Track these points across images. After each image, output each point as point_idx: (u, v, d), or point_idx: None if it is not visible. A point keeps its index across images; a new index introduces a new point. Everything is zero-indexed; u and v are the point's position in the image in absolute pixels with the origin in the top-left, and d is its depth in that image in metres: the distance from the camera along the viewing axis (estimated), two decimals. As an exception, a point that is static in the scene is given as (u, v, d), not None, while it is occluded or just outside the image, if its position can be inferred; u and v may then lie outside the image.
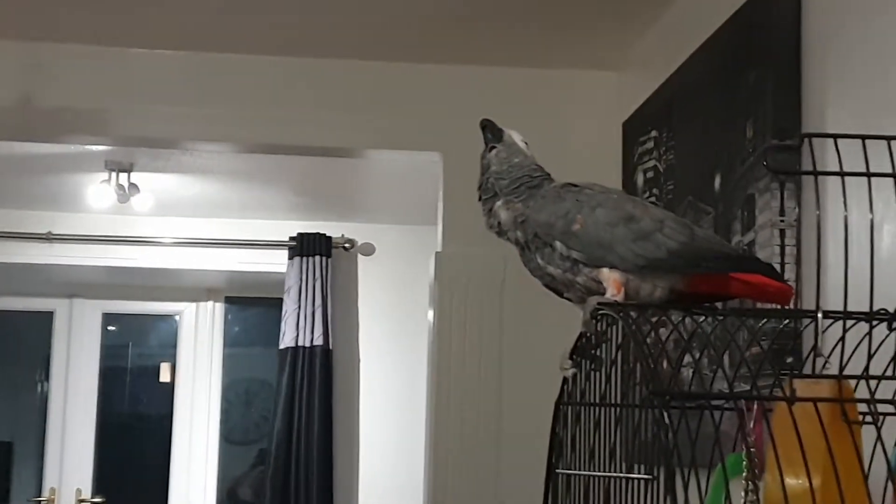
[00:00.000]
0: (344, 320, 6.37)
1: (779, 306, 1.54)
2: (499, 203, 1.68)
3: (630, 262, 1.53)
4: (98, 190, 5.51)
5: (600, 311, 1.48)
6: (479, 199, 1.72)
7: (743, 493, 1.45)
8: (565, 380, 1.56)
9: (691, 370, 1.49)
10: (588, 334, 1.52)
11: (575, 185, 1.64)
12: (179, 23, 3.87)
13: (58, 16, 3.81)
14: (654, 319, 1.41)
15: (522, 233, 1.64)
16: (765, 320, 1.49)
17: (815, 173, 1.26)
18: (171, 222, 6.33)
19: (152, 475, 6.89)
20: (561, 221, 1.58)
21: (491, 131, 1.74)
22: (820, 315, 1.33)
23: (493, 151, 1.72)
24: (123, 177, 5.44)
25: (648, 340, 1.34)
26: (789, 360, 1.99)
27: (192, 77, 4.08)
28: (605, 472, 1.46)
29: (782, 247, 2.61)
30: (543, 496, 1.57)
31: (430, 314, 4.13)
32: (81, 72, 4.03)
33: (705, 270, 1.54)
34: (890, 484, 1.39)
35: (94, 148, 5.05)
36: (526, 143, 1.74)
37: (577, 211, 1.58)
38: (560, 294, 1.65)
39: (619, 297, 1.51)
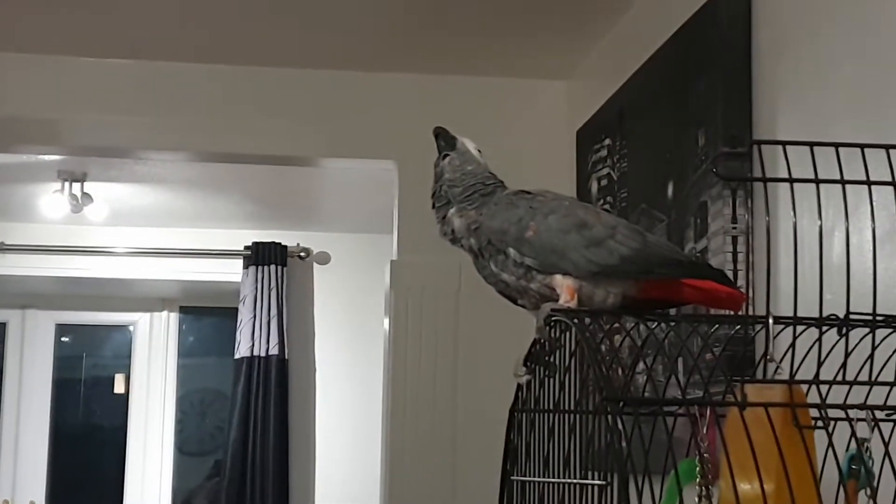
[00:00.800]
0: (299, 329, 6.35)
1: (731, 312, 1.55)
2: (452, 210, 1.68)
3: (583, 268, 1.54)
4: (51, 200, 5.47)
5: (554, 318, 1.48)
6: (433, 206, 1.72)
7: (696, 499, 1.46)
8: (519, 386, 1.57)
9: (644, 377, 1.49)
10: (542, 341, 1.52)
11: (528, 193, 1.65)
12: (131, 32, 3.85)
13: (8, 25, 3.78)
14: (607, 326, 1.42)
15: (476, 240, 1.65)
16: (716, 326, 1.50)
17: (765, 180, 1.27)
18: (125, 232, 6.29)
19: (107, 486, 6.85)
20: (514, 228, 1.59)
21: (444, 139, 1.75)
22: (771, 321, 1.34)
23: (447, 159, 1.72)
24: (77, 186, 5.40)
25: (602, 347, 1.35)
26: (741, 367, 2.01)
27: (144, 86, 4.06)
28: (559, 478, 1.46)
29: (734, 254, 2.63)
30: (499, 502, 1.57)
31: (386, 322, 4.13)
32: (32, 81, 4.00)
33: (658, 277, 1.55)
34: (841, 489, 1.40)
35: (47, 158, 5.02)
36: (479, 151, 1.74)
37: (530, 218, 1.58)
38: (514, 301, 1.65)
39: (573, 304, 1.52)
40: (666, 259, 1.56)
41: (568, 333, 1.50)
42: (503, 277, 1.61)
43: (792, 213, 1.30)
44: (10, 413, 6.67)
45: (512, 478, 1.56)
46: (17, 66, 3.99)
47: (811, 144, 1.31)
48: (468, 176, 1.69)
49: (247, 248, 6.26)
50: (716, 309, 1.58)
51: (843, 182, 1.32)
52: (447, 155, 1.73)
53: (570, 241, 1.55)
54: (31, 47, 3.94)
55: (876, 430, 1.36)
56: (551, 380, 1.53)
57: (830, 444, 1.31)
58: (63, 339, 6.92)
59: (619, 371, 1.35)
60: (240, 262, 6.27)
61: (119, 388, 6.99)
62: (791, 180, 1.29)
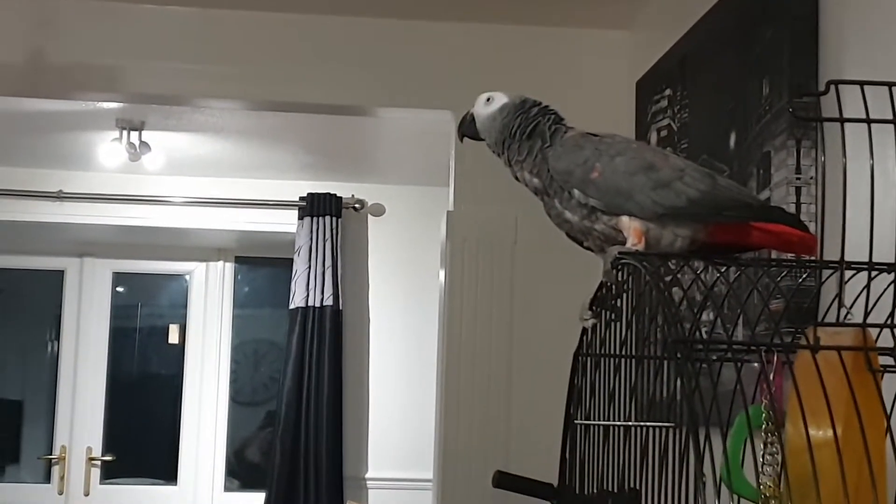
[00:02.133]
0: (354, 281, 6.37)
1: (803, 257, 1.53)
2: (514, 155, 1.68)
3: (649, 209, 1.52)
4: (109, 148, 5.49)
5: (621, 261, 1.47)
6: (499, 152, 1.71)
7: (762, 445, 1.45)
8: (584, 330, 1.56)
9: (710, 321, 1.48)
10: (609, 284, 1.51)
11: (595, 135, 1.63)
12: (191, -21, 3.85)
13: (69, -29, 3.79)
14: (676, 269, 1.41)
15: (539, 179, 1.63)
16: (785, 272, 1.48)
17: (842, 120, 1.25)
18: (182, 181, 6.32)
19: (162, 435, 6.91)
20: (580, 170, 1.57)
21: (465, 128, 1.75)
22: (843, 266, 1.32)
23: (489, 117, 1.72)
24: (134, 135, 5.42)
25: (671, 289, 1.33)
26: (807, 316, 1.98)
27: (203, 34, 4.06)
28: (625, 421, 1.45)
29: (798, 204, 2.59)
30: (561, 446, 1.57)
31: (442, 274, 4.13)
32: (92, 28, 4.02)
33: (726, 219, 1.53)
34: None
35: (105, 106, 5.04)
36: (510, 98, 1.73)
37: (595, 159, 1.57)
38: (580, 243, 1.64)
39: (640, 247, 1.50)
40: (736, 201, 1.54)
41: (634, 277, 1.49)
42: (567, 217, 1.60)
43: (869, 155, 1.27)
44: (69, 360, 6.74)
45: (576, 421, 1.56)
46: (76, 12, 4.00)
47: (890, 84, 1.28)
48: (504, 126, 1.68)
49: (301, 198, 6.27)
50: (787, 253, 1.56)
51: (921, 122, 1.29)
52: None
53: (637, 183, 1.53)
54: (91, -6, 3.95)
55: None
56: (617, 323, 1.52)
57: (904, 388, 1.29)
58: (118, 289, 6.98)
59: (689, 314, 1.33)
60: (295, 213, 6.28)
61: (173, 338, 7.04)
62: (869, 121, 1.26)
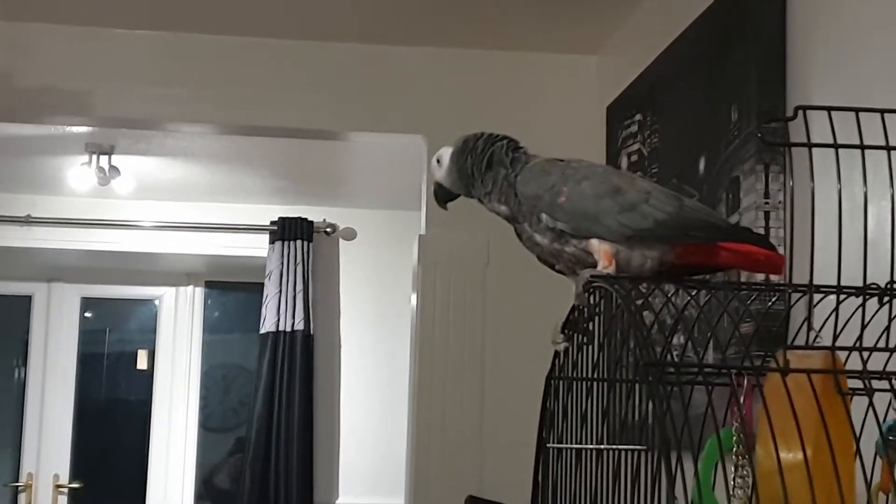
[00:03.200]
0: (325, 305, 6.36)
1: (772, 276, 1.54)
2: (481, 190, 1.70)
3: (616, 232, 1.54)
4: (78, 172, 5.47)
5: (593, 284, 1.48)
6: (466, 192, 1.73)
7: (734, 468, 1.46)
8: (556, 354, 1.56)
9: (681, 344, 1.49)
10: (580, 307, 1.52)
11: (561, 160, 1.65)
12: (162, 3, 3.85)
13: (39, -5, 3.79)
14: (647, 292, 1.41)
15: (507, 207, 1.65)
16: (756, 294, 1.49)
17: (810, 145, 1.26)
18: (152, 206, 6.31)
19: (130, 461, 6.87)
20: (547, 195, 1.59)
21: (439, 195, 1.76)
22: (812, 289, 1.33)
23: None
24: (104, 159, 5.41)
25: (643, 312, 1.34)
26: (777, 340, 1.99)
27: (173, 58, 4.06)
28: (596, 444, 1.46)
29: (766, 228, 2.62)
30: (534, 470, 1.57)
31: (413, 297, 4.13)
32: (63, 52, 4.01)
33: (693, 240, 1.54)
34: (878, 457, 1.39)
35: (76, 130, 5.03)
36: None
37: (562, 184, 1.59)
38: (552, 266, 1.65)
39: (611, 269, 1.51)
40: (703, 222, 1.56)
41: (606, 300, 1.50)
42: (537, 240, 1.61)
43: (836, 181, 1.29)
44: (36, 387, 6.70)
45: (548, 445, 1.56)
46: (46, 36, 3.99)
47: (857, 110, 1.30)
48: (468, 165, 1.70)
49: (273, 223, 6.26)
50: (755, 273, 1.57)
51: (888, 148, 1.31)
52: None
53: (604, 207, 1.55)
54: (62, 17, 3.95)
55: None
56: (588, 347, 1.53)
57: (874, 411, 1.30)
58: (87, 314, 6.94)
59: (660, 337, 1.34)
60: (266, 237, 6.28)
61: (142, 363, 7.01)
62: (836, 146, 1.28)
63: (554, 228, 1.58)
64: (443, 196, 1.77)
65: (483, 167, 1.67)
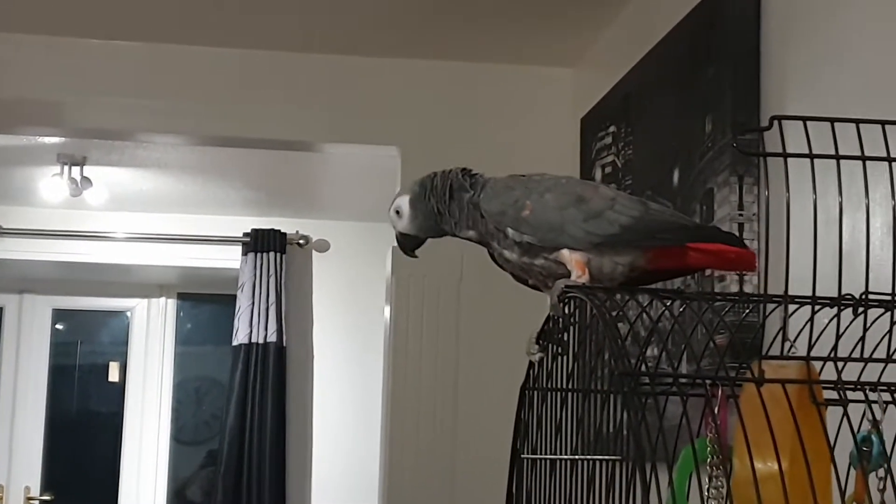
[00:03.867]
0: (298, 317, 6.34)
1: (744, 273, 1.54)
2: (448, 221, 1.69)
3: (583, 240, 1.54)
4: (50, 183, 5.44)
5: (568, 294, 1.47)
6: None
7: (708, 479, 1.45)
8: (531, 364, 1.56)
9: (654, 357, 1.49)
10: (555, 318, 1.51)
11: (522, 175, 1.65)
12: (135, 13, 3.83)
13: (11, 5, 3.76)
14: (622, 303, 1.41)
15: (475, 231, 1.65)
16: (731, 304, 1.49)
17: (785, 155, 1.26)
18: (124, 217, 6.28)
19: (102, 474, 6.83)
20: (511, 209, 1.59)
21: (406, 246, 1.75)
22: (787, 300, 1.33)
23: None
24: (76, 170, 5.38)
25: (619, 323, 1.34)
26: (751, 351, 1.99)
27: (146, 68, 4.04)
28: (571, 455, 1.45)
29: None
30: (508, 482, 1.56)
31: (387, 310, 4.12)
32: (35, 62, 3.99)
33: (661, 243, 1.54)
34: (852, 468, 1.39)
35: (47, 140, 5.00)
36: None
37: (525, 197, 1.59)
38: (525, 282, 1.65)
39: (585, 279, 1.51)
40: (669, 224, 1.56)
41: (580, 310, 1.49)
42: (507, 256, 1.61)
43: (812, 191, 1.29)
44: (6, 399, 6.65)
45: (522, 455, 1.55)
46: (18, 46, 3.97)
47: (832, 120, 1.30)
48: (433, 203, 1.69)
49: (246, 234, 6.24)
50: (728, 272, 1.57)
51: (863, 158, 1.31)
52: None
53: (568, 216, 1.55)
54: (33, 28, 3.93)
55: (889, 410, 1.36)
56: (563, 357, 1.53)
57: (848, 421, 1.30)
58: (58, 326, 6.90)
59: (635, 347, 1.33)
60: (238, 249, 6.25)
61: (113, 376, 6.97)
62: (812, 156, 1.28)
63: (521, 242, 1.58)
64: (409, 244, 1.76)
65: (447, 200, 1.67)
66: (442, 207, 1.67)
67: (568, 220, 1.55)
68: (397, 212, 1.72)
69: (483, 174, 1.71)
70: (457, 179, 1.68)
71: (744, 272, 1.56)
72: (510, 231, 1.59)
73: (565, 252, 1.55)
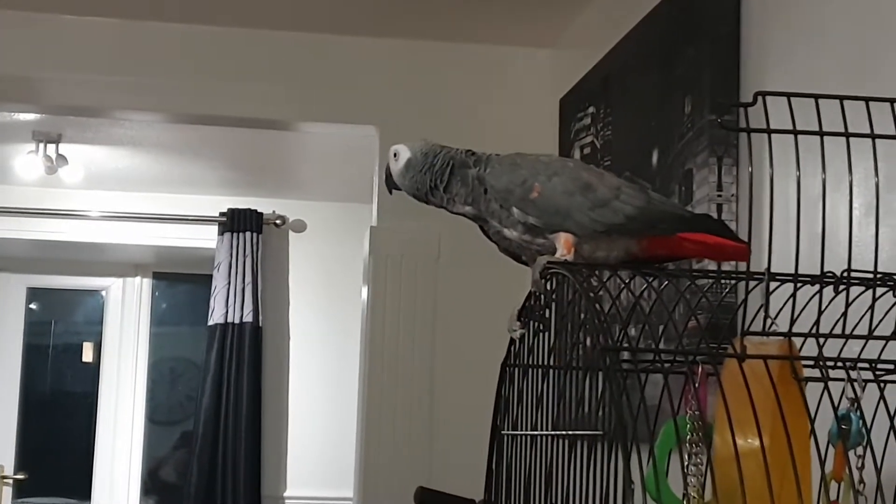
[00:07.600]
0: (274, 297, 6.32)
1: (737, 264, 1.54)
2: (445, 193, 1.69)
3: (588, 228, 1.55)
4: (25, 161, 5.40)
5: (550, 271, 1.47)
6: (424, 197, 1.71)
7: (688, 456, 1.45)
8: (512, 341, 1.56)
9: (636, 335, 1.49)
10: (537, 294, 1.51)
11: (527, 154, 1.65)
12: (112, -11, 3.80)
13: (-14, -21, 3.73)
14: (604, 279, 1.41)
15: (473, 206, 1.64)
16: (713, 281, 1.49)
17: (769, 131, 1.26)
18: (99, 196, 6.24)
19: (76, 453, 6.81)
20: (519, 189, 1.59)
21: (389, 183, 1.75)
22: (769, 277, 1.33)
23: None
24: (52, 148, 5.34)
25: (600, 299, 1.34)
26: (731, 329, 2.00)
27: (122, 45, 4.01)
28: (552, 430, 1.45)
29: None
30: (488, 458, 1.56)
31: (364, 290, 4.11)
32: (9, 38, 3.95)
33: (661, 233, 1.55)
34: (831, 446, 1.39)
35: (22, 118, 4.96)
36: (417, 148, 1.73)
37: (534, 179, 1.59)
38: (517, 258, 1.66)
39: (569, 257, 1.51)
40: (668, 215, 1.57)
41: (563, 287, 1.49)
42: (506, 234, 1.62)
43: (796, 167, 1.28)
44: (-21, 378, 6.62)
45: (503, 432, 1.55)
46: (-6, 22, 3.93)
47: (816, 97, 1.30)
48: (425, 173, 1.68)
49: (222, 214, 6.22)
50: (721, 262, 1.58)
51: (847, 135, 1.31)
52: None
53: (575, 203, 1.57)
54: (9, 3, 3.88)
55: (869, 387, 1.36)
56: (545, 333, 1.53)
57: (829, 397, 1.30)
58: (31, 306, 6.86)
59: (617, 323, 1.33)
60: (215, 229, 6.23)
61: (87, 356, 6.94)
62: (796, 132, 1.27)
63: (525, 223, 1.59)
64: (392, 185, 1.76)
65: (446, 177, 1.66)
66: (439, 183, 1.67)
67: (574, 207, 1.57)
68: (395, 155, 1.72)
69: (484, 152, 1.70)
70: (459, 157, 1.67)
71: (737, 261, 1.57)
72: (515, 211, 1.60)
73: (562, 235, 1.56)
